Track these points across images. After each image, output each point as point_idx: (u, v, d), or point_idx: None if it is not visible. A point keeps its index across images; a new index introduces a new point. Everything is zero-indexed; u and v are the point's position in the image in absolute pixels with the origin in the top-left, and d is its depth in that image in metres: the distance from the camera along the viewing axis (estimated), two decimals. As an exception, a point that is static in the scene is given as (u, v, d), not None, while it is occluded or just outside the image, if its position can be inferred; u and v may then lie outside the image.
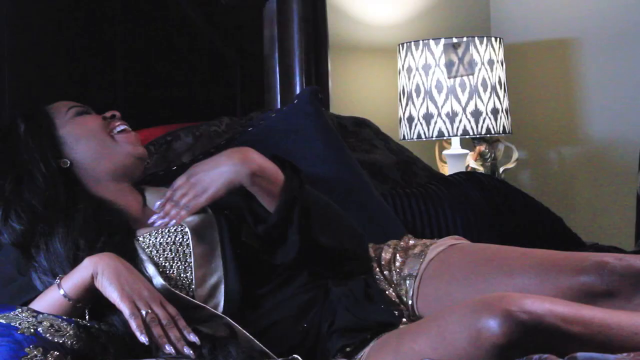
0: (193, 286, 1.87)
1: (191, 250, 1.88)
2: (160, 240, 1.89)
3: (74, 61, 2.61)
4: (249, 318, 1.85)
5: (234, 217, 1.97)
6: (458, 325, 1.56)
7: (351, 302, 1.87)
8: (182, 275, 1.87)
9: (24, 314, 1.66)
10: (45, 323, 1.65)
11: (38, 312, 1.69)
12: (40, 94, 2.54)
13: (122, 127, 2.02)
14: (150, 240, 1.89)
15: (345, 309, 1.85)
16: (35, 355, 1.59)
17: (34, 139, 1.94)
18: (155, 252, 1.88)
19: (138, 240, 1.90)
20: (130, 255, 1.85)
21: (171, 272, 1.87)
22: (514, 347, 1.48)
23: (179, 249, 1.89)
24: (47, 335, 1.63)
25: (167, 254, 1.88)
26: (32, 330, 1.62)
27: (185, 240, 1.90)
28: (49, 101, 2.41)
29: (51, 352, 1.61)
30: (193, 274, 1.87)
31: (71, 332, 1.66)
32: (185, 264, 1.88)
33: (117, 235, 1.87)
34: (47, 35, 2.56)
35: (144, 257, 1.86)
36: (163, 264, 1.87)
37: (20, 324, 1.63)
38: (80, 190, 1.94)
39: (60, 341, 1.63)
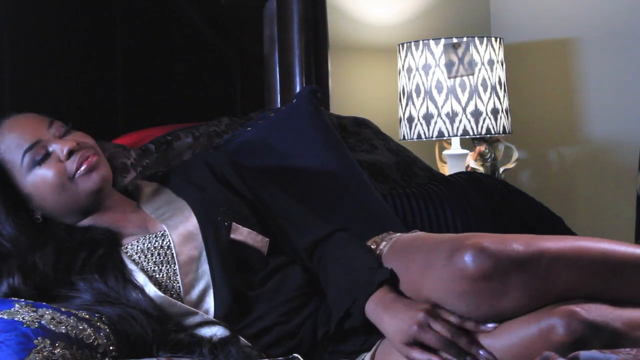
0: (182, 293, 1.86)
1: (175, 258, 1.88)
2: (147, 245, 1.89)
3: (73, 61, 2.61)
4: (241, 324, 1.84)
5: (225, 219, 1.95)
6: (526, 324, 1.60)
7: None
8: (172, 278, 1.87)
9: (24, 309, 1.68)
10: (46, 316, 1.67)
11: (37, 307, 1.70)
12: (40, 93, 2.54)
13: (81, 163, 1.90)
14: (137, 246, 1.89)
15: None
16: (44, 347, 1.61)
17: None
18: (143, 257, 1.88)
19: (125, 249, 1.89)
20: (117, 266, 1.85)
21: (160, 276, 1.86)
22: (579, 346, 1.54)
23: (167, 252, 1.89)
24: (51, 326, 1.65)
25: (155, 258, 1.88)
26: (36, 323, 1.64)
27: (170, 244, 1.90)
28: (49, 102, 2.41)
29: (58, 342, 1.63)
30: (180, 282, 1.87)
31: (72, 323, 1.67)
32: (174, 266, 1.88)
33: (101, 249, 1.87)
34: (47, 35, 2.56)
35: (132, 267, 1.86)
36: (152, 268, 1.87)
37: (23, 318, 1.65)
38: (55, 224, 1.93)
39: (64, 331, 1.65)
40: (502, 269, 1.60)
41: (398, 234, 1.94)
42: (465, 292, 1.63)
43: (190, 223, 1.92)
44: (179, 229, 1.91)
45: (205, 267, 1.88)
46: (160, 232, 1.92)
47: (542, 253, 1.62)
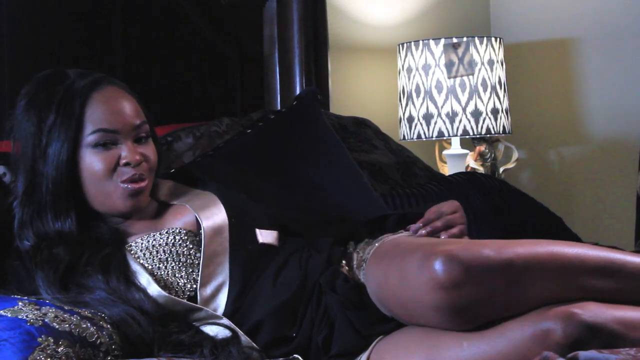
0: (195, 285, 1.87)
1: (202, 248, 1.90)
2: (152, 242, 1.90)
3: (73, 60, 2.61)
4: (242, 324, 1.84)
5: (251, 221, 1.96)
6: (521, 327, 1.58)
7: (355, 319, 1.82)
8: (176, 275, 1.88)
9: (27, 307, 1.68)
10: (50, 314, 1.68)
11: (40, 305, 1.70)
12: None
13: (129, 179, 1.90)
14: (142, 243, 1.90)
15: (351, 327, 1.82)
16: (48, 345, 1.61)
17: (59, 131, 1.88)
18: (148, 254, 1.89)
19: (130, 247, 1.90)
20: (120, 268, 1.84)
21: (165, 273, 1.87)
22: (577, 348, 1.52)
23: (172, 249, 1.90)
24: (55, 324, 1.66)
25: (160, 255, 1.89)
26: (40, 322, 1.65)
27: (177, 241, 1.91)
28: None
29: (61, 340, 1.63)
30: (200, 272, 1.88)
31: (76, 322, 1.68)
32: (179, 263, 1.89)
33: (106, 249, 1.86)
34: (47, 34, 2.56)
35: (135, 268, 1.86)
36: (157, 265, 1.88)
37: (27, 316, 1.66)
38: (81, 203, 1.93)
39: (68, 330, 1.66)
40: (474, 276, 1.57)
41: (384, 237, 1.93)
42: (439, 304, 1.59)
43: (219, 217, 1.94)
44: (209, 221, 1.93)
45: (225, 264, 1.90)
46: (165, 230, 1.93)
47: (513, 259, 1.59)
